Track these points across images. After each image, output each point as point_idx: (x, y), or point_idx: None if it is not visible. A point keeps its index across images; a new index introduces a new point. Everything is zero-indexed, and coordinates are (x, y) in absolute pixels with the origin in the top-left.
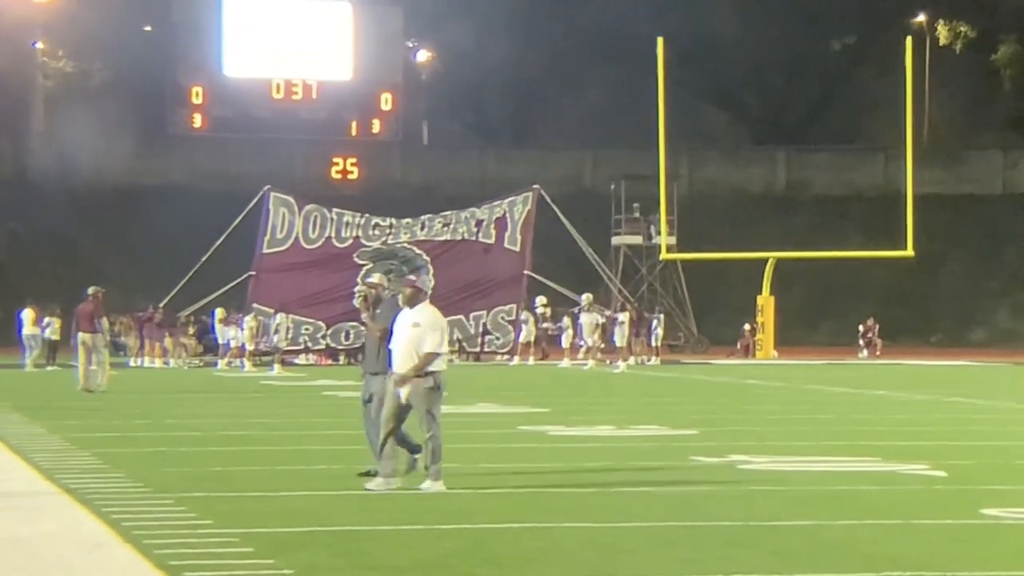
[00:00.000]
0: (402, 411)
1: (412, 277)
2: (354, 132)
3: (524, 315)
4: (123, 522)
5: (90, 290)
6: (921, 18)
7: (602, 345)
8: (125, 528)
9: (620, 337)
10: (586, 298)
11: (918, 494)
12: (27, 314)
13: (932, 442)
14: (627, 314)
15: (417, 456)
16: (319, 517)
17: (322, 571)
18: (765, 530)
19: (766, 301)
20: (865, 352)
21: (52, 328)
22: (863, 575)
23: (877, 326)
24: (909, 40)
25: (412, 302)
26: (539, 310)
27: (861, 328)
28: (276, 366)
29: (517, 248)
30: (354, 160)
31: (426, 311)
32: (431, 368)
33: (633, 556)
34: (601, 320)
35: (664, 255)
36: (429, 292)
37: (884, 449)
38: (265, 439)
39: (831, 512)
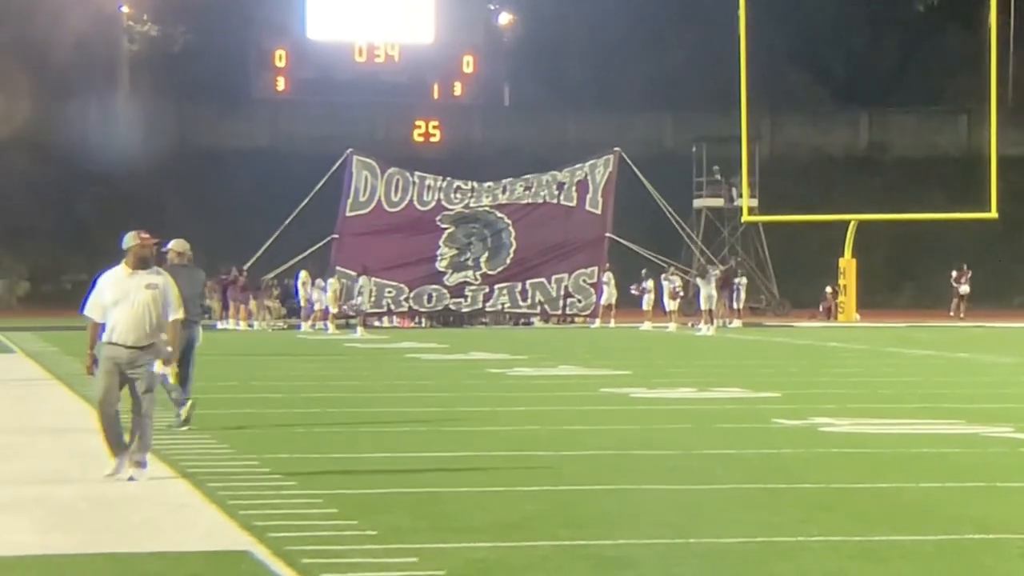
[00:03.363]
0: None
1: (145, 235)
2: (436, 95)
3: (606, 277)
4: (208, 483)
5: None
6: None
7: (676, 306)
8: (210, 489)
9: (705, 300)
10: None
11: (1002, 457)
12: None
13: (1017, 405)
14: (714, 277)
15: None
16: (402, 479)
17: (405, 532)
18: (847, 492)
19: (848, 264)
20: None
21: None
22: (946, 537)
23: (969, 272)
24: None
25: (142, 263)
26: (674, 283)
27: (954, 273)
28: (359, 328)
29: (598, 211)
30: (436, 123)
31: (161, 272)
32: (157, 340)
33: (714, 518)
34: (680, 283)
35: (745, 217)
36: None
37: (968, 412)
38: (348, 401)
39: (913, 475)
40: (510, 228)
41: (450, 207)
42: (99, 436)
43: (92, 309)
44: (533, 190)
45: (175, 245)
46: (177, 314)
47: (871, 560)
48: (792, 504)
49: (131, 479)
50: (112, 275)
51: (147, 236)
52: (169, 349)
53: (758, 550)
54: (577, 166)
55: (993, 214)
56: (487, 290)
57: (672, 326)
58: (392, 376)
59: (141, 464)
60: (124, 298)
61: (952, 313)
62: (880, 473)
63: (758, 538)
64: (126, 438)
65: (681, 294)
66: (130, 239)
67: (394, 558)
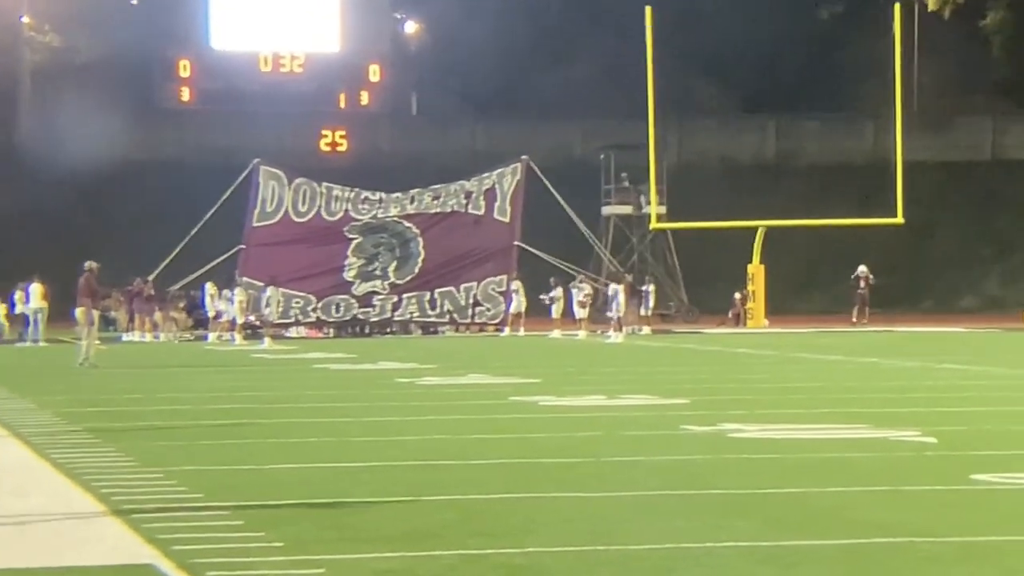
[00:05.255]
0: None
1: None
2: (343, 104)
3: (514, 285)
4: (113, 496)
5: (86, 265)
6: None
7: (585, 314)
8: (115, 502)
9: (617, 308)
10: None
11: (908, 460)
12: (35, 288)
13: (922, 408)
14: (623, 285)
15: None
16: (309, 490)
17: (312, 543)
18: (756, 498)
19: (756, 270)
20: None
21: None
22: (854, 541)
23: (871, 276)
24: (897, 7)
25: None
26: (583, 290)
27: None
28: (267, 339)
29: (507, 219)
30: (343, 132)
31: None
32: None
33: (625, 525)
34: (589, 291)
35: (654, 225)
36: None
37: (874, 416)
38: (255, 412)
39: (822, 479)
40: (418, 238)
41: (358, 217)
42: None
43: None
44: (441, 199)
45: None
46: None
47: (780, 565)
48: (702, 510)
49: None
50: None
51: None
52: None
53: (669, 556)
54: (485, 175)
55: (900, 220)
56: (395, 300)
57: (582, 334)
58: (300, 387)
59: None
60: None
61: (855, 320)
62: (788, 478)
63: (668, 544)
64: None
65: (590, 302)
66: None
67: (301, 569)
